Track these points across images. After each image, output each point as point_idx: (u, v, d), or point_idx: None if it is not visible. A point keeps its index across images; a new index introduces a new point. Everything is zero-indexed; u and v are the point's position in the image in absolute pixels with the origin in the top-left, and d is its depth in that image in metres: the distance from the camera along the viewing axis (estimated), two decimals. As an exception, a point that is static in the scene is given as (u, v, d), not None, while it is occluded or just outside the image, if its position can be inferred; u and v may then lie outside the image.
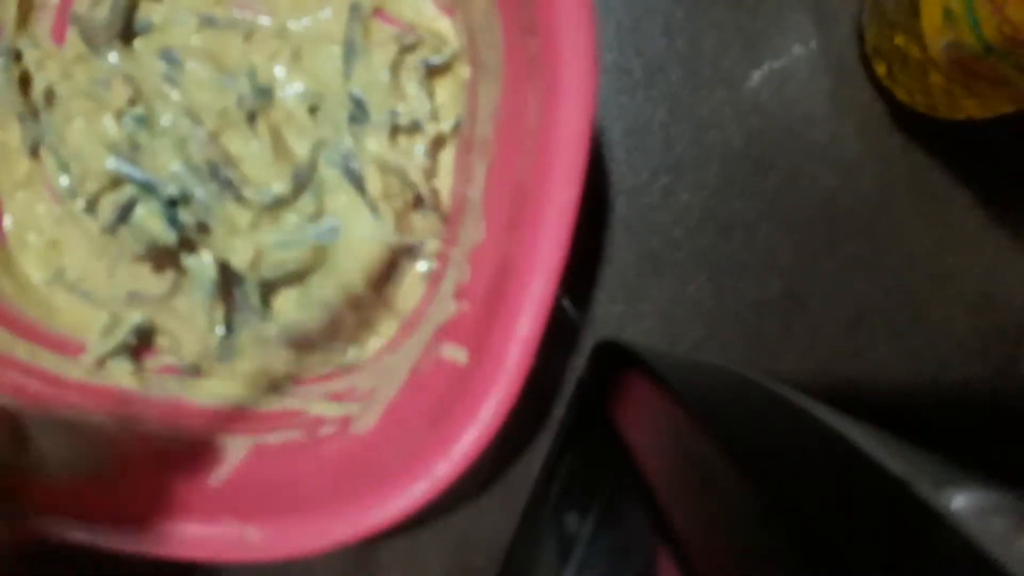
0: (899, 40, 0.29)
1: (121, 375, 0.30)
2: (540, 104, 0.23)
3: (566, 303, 0.33)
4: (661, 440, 0.21)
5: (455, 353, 0.26)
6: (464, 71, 0.30)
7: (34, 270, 0.31)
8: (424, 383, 0.27)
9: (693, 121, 0.32)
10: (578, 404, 0.29)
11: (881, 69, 0.31)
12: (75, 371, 0.29)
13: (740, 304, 0.32)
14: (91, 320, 0.30)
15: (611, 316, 0.32)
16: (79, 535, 0.24)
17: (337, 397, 0.29)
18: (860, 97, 0.32)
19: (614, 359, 0.26)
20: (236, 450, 0.27)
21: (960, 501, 0.15)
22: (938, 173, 0.32)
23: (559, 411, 0.31)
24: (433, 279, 0.30)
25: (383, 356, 0.30)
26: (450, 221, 0.31)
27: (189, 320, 0.30)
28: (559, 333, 0.33)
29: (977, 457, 0.30)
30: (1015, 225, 0.33)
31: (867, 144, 0.32)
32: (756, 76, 0.32)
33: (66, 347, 0.30)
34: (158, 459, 0.27)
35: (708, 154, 0.32)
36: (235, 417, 0.29)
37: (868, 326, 0.32)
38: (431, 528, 0.32)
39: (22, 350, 0.29)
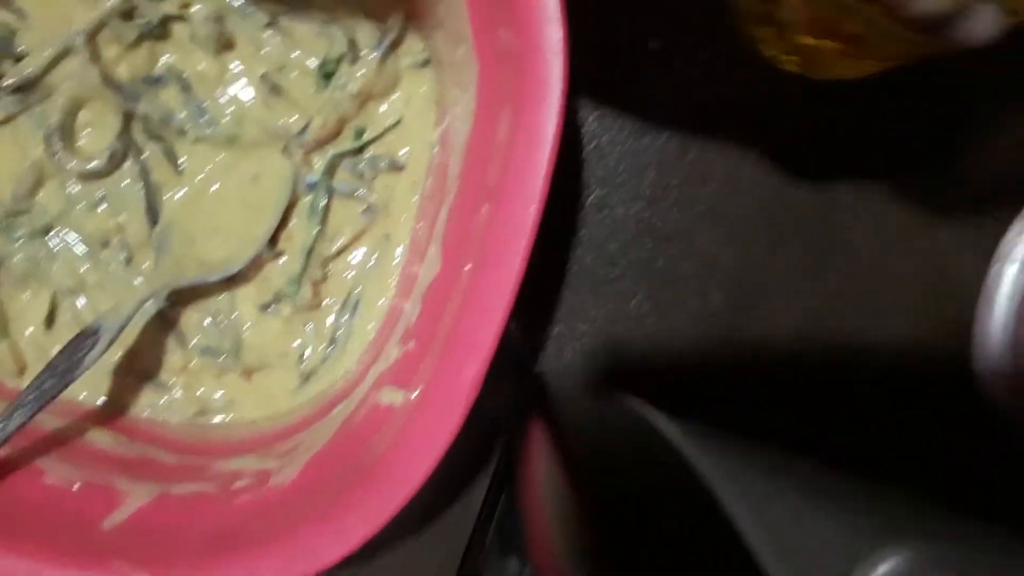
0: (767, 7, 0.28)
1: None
2: (507, 141, 0.25)
3: (512, 327, 0.32)
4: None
5: (392, 396, 0.26)
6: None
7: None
8: (354, 432, 0.26)
9: (625, 128, 0.31)
10: (506, 443, 0.28)
11: (764, 47, 0.30)
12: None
13: (682, 318, 0.31)
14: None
15: (550, 338, 0.31)
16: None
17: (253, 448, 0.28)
18: (775, 84, 0.31)
19: (534, 395, 0.25)
20: (138, 496, 0.26)
21: (890, 565, 0.14)
22: (875, 158, 0.32)
23: (499, 444, 0.30)
24: (384, 328, 0.30)
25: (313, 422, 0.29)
26: (408, 264, 0.31)
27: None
28: (500, 360, 0.32)
29: (929, 460, 0.30)
30: (960, 216, 0.32)
31: (798, 134, 0.31)
32: (694, 73, 0.31)
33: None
34: (48, 494, 0.26)
35: (642, 162, 0.31)
36: (142, 464, 0.28)
37: (815, 333, 0.31)
38: (372, 567, 0.31)
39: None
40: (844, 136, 0.32)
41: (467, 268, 0.25)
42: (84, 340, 0.28)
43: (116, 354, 0.30)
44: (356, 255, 0.32)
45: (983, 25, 0.21)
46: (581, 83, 0.32)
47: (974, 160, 0.32)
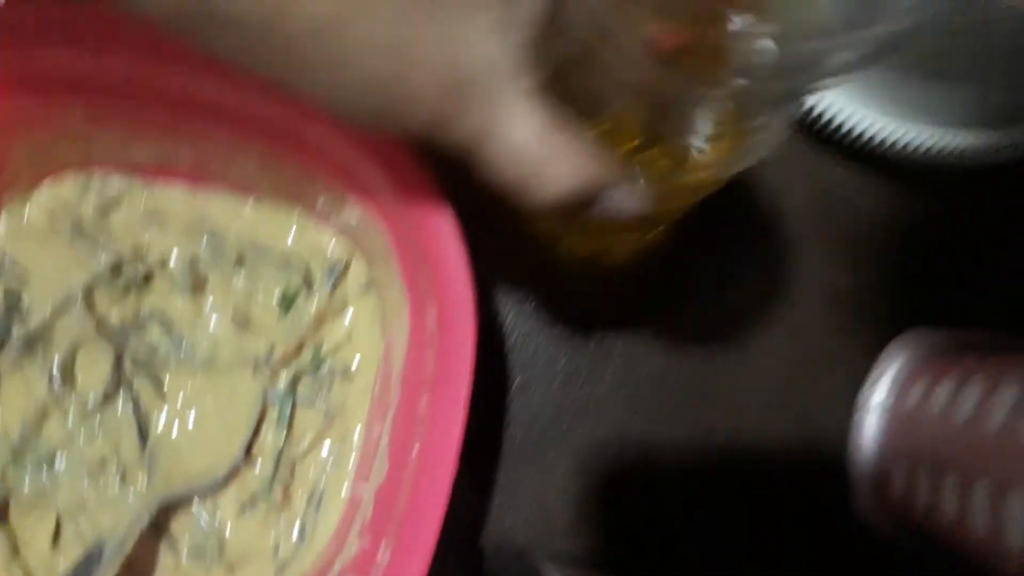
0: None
1: None
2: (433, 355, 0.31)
3: (460, 506, 0.36)
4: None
5: None
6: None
7: None
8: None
9: (538, 320, 0.37)
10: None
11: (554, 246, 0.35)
12: None
13: (601, 483, 0.36)
14: None
15: (492, 510, 0.36)
16: None
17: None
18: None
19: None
20: None
21: None
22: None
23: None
24: (345, 518, 0.34)
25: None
26: (364, 457, 0.35)
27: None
28: (450, 540, 0.36)
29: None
30: (828, 368, 0.38)
31: (666, 306, 0.37)
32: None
33: None
34: None
35: (555, 349, 0.37)
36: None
37: (713, 486, 0.36)
38: None
39: None
40: (696, 302, 0.39)
41: (411, 458, 0.30)
42: (90, 560, 0.32)
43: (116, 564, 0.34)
44: (319, 453, 0.37)
45: (625, 202, 0.22)
46: (497, 285, 0.38)
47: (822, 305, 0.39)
